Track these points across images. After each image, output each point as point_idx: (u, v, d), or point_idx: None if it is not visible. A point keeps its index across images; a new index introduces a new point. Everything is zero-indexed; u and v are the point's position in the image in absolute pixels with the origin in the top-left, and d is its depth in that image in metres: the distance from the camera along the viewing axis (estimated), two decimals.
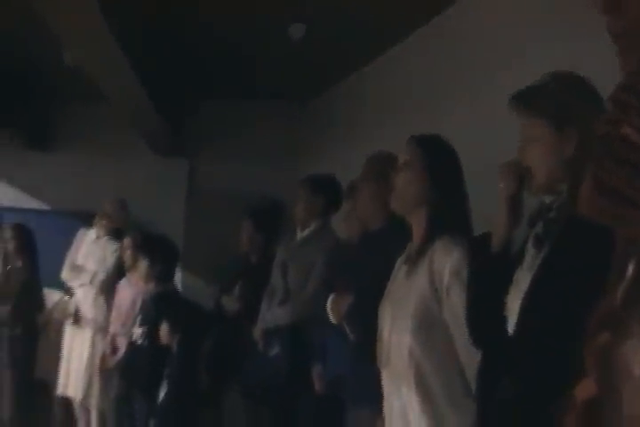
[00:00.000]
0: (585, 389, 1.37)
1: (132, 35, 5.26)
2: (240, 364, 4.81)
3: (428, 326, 2.59)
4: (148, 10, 5.45)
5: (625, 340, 1.26)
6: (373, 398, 2.86)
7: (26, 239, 6.87)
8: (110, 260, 6.49)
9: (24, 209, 7.84)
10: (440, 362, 2.58)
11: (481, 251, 2.24)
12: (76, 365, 6.41)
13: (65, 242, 6.72)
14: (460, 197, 2.79)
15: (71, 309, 6.50)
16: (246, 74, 7.16)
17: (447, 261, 2.59)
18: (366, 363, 2.98)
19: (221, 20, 5.78)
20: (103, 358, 6.17)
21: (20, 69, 7.00)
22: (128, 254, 6.17)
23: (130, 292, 6.11)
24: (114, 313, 6.18)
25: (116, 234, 6.53)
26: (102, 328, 6.30)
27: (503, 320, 2.12)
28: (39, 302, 6.84)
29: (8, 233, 6.87)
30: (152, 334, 5.54)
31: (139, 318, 5.74)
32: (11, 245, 6.83)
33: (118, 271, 6.40)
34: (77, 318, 6.45)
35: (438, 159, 2.80)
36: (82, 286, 6.52)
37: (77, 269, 6.56)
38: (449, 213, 2.73)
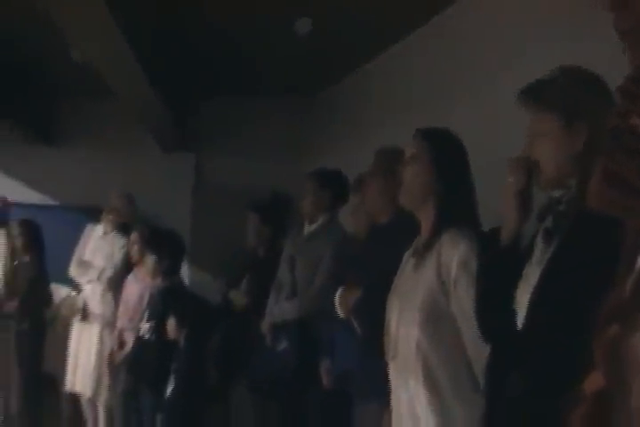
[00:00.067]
0: (594, 382, 1.37)
1: (137, 31, 5.25)
2: (247, 358, 4.81)
3: (436, 318, 2.59)
4: (153, 6, 5.45)
5: (634, 332, 1.26)
6: (381, 392, 2.85)
7: (33, 235, 6.88)
8: (118, 256, 6.47)
9: (31, 205, 7.83)
10: (447, 355, 2.58)
11: (491, 245, 2.24)
12: (83, 360, 6.41)
13: (72, 237, 6.71)
14: (467, 190, 2.79)
15: (79, 304, 6.50)
16: (251, 70, 7.15)
17: (454, 253, 2.59)
18: (374, 357, 2.98)
19: (226, 16, 5.77)
20: (111, 354, 6.17)
21: (21, 61, 6.96)
22: (135, 249, 6.15)
23: (137, 287, 6.10)
24: (121, 308, 6.17)
25: (124, 229, 6.51)
26: (110, 324, 6.29)
27: (512, 314, 2.12)
28: (46, 298, 6.85)
29: (15, 229, 6.88)
30: (159, 328, 5.54)
31: (146, 313, 5.74)
32: (18, 241, 6.84)
33: (126, 266, 6.40)
34: (85, 314, 6.45)
35: (445, 152, 2.79)
36: (90, 282, 6.52)
37: (85, 265, 6.55)
38: (456, 206, 2.73)
